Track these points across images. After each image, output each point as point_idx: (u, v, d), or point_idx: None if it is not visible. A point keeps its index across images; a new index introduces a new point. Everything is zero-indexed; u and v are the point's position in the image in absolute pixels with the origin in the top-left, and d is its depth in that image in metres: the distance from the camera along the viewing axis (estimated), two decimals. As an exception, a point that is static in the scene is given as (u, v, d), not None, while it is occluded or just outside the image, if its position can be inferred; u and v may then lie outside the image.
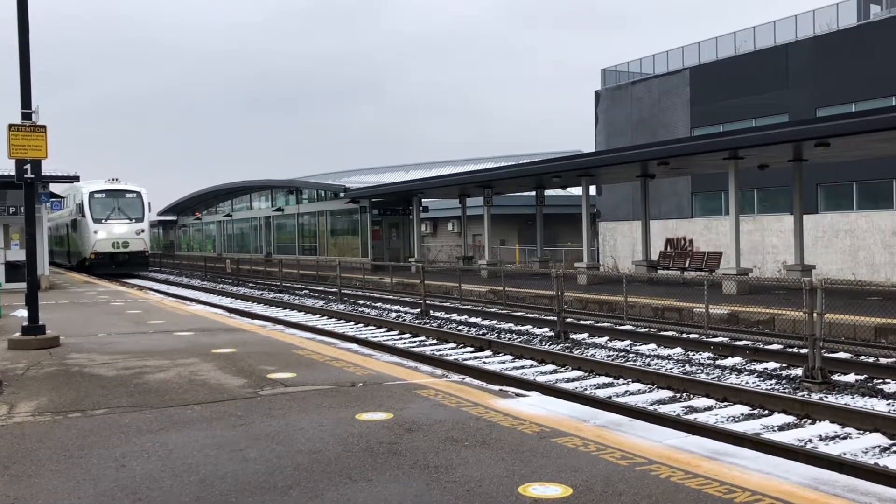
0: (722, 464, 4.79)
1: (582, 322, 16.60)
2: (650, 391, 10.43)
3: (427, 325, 17.53)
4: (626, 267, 32.01)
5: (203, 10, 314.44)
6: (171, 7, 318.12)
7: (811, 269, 21.29)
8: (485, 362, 12.91)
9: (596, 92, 38.39)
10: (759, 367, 11.90)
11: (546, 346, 14.17)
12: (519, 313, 18.85)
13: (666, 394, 10.24)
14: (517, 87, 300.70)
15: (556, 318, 15.48)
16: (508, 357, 13.35)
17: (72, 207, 42.84)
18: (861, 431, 8.04)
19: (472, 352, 14.18)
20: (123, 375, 8.23)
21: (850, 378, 10.71)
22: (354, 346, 11.12)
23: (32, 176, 10.65)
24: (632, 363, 12.33)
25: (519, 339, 15.30)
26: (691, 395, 10.02)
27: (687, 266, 23.08)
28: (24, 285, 12.96)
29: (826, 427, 8.30)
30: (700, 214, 33.02)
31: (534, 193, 31.54)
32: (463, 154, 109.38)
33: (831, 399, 9.44)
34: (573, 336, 15.17)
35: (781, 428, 8.41)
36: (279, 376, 8.00)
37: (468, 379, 8.31)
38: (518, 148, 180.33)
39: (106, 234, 39.73)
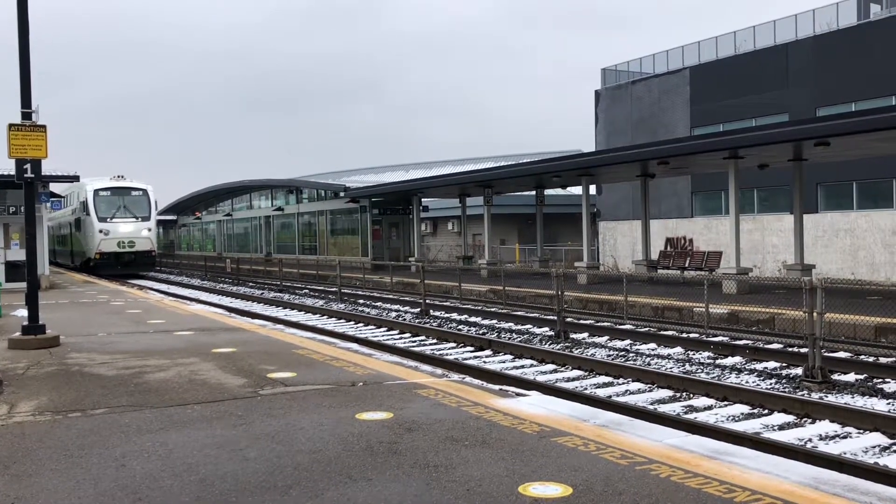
0: (722, 463, 4.79)
1: (582, 321, 16.60)
2: (650, 390, 10.44)
3: (427, 325, 17.53)
4: (626, 266, 32.01)
5: (203, 10, 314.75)
6: (171, 7, 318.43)
7: (811, 269, 21.30)
8: (485, 362, 12.91)
9: (596, 91, 38.37)
10: (759, 366, 11.90)
11: (546, 346, 14.17)
12: (519, 313, 18.85)
13: (666, 393, 10.25)
14: (517, 87, 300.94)
15: (556, 318, 15.49)
16: (508, 356, 13.35)
17: (75, 206, 41.39)
18: (861, 431, 8.05)
19: (472, 351, 14.19)
20: (123, 375, 8.23)
21: (850, 377, 10.72)
22: (354, 346, 11.12)
23: (32, 175, 10.65)
24: (632, 363, 12.33)
25: (519, 339, 15.30)
26: (691, 395, 10.03)
27: (687, 265, 23.08)
28: (24, 285, 12.98)
29: (826, 426, 8.31)
30: (700, 214, 33.01)
31: (534, 193, 31.56)
32: (463, 154, 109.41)
33: (831, 398, 9.45)
34: (573, 335, 15.18)
35: (781, 427, 8.42)
36: (279, 376, 8.00)
37: (468, 378, 8.31)
38: (518, 148, 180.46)
39: (111, 234, 38.14)
